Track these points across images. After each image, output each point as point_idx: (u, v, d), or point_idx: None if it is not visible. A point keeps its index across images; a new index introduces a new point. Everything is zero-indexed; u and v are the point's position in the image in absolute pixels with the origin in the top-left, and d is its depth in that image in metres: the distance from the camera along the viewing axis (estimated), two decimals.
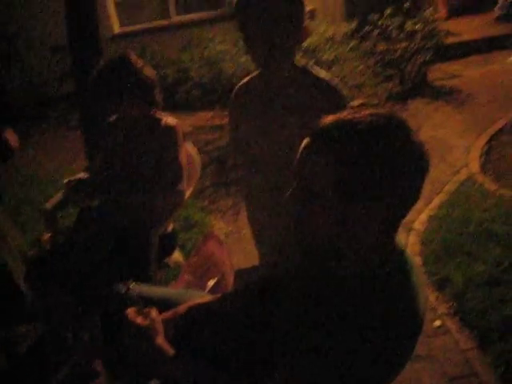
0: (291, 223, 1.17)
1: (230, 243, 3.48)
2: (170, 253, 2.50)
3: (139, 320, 1.32)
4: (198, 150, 2.70)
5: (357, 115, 1.06)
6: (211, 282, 2.25)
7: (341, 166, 1.03)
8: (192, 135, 5.55)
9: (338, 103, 1.65)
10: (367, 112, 1.06)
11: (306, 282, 1.30)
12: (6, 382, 2.44)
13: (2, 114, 2.91)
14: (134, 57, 2.26)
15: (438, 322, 2.58)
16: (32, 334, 2.64)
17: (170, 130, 2.32)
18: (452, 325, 2.56)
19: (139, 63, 2.25)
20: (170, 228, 2.51)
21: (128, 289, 1.41)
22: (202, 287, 2.26)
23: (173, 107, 5.97)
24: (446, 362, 2.35)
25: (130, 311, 1.35)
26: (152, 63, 6.33)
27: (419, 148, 1.07)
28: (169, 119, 2.37)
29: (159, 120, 2.35)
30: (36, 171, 4.91)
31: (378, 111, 1.07)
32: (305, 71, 1.73)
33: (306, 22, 1.63)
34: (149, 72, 2.28)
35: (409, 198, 1.09)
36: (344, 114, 1.07)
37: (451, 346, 2.43)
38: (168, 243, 2.45)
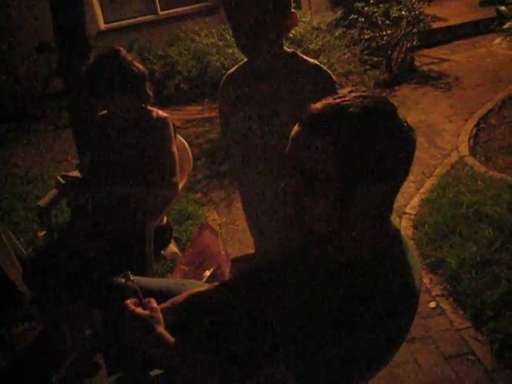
0: (288, 210, 1.19)
1: (224, 234, 3.50)
2: (165, 245, 2.51)
3: (139, 310, 1.34)
4: (189, 143, 2.70)
5: (346, 99, 1.08)
6: (207, 273, 2.28)
7: (339, 150, 1.04)
8: (182, 129, 5.56)
9: (329, 87, 1.67)
10: (354, 95, 1.08)
11: (305, 268, 1.32)
12: (6, 381, 2.45)
13: None
14: (123, 51, 2.27)
15: (432, 304, 2.61)
16: (31, 333, 2.65)
17: (162, 122, 2.33)
18: (446, 306, 2.59)
19: (129, 57, 2.26)
20: (164, 220, 2.52)
21: (127, 280, 1.42)
22: (199, 277, 2.29)
23: (162, 102, 5.98)
24: (441, 341, 2.38)
25: (130, 302, 1.36)
26: (139, 58, 6.31)
27: (407, 126, 1.09)
28: (160, 112, 2.38)
29: (150, 113, 2.35)
30: (27, 170, 4.90)
31: (364, 94, 1.09)
32: (294, 57, 1.74)
33: (293, 10, 1.65)
34: (139, 66, 2.29)
35: (401, 176, 1.11)
36: (332, 99, 1.09)
37: (446, 327, 2.47)
38: (163, 235, 2.46)
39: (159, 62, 6.55)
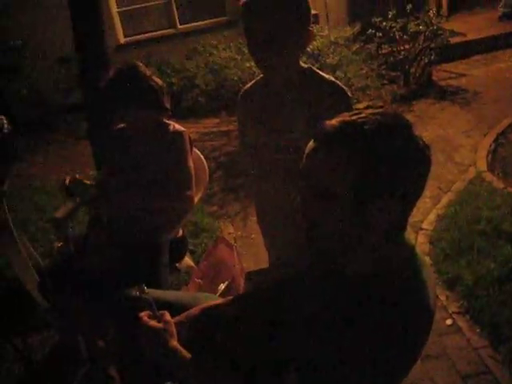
0: (303, 225, 1.19)
1: (239, 248, 3.49)
2: (180, 257, 2.52)
3: (153, 323, 1.34)
4: (205, 156, 2.72)
5: (361, 115, 1.08)
6: (222, 286, 2.28)
7: (353, 167, 1.04)
8: (199, 142, 5.60)
9: (345, 103, 1.67)
10: (369, 111, 1.09)
11: (318, 282, 1.32)
12: None
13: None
14: (142, 66, 2.31)
15: (449, 321, 2.58)
16: (47, 343, 2.67)
17: (178, 135, 2.35)
18: (463, 323, 2.56)
19: (147, 72, 2.30)
20: (180, 233, 2.53)
21: (141, 292, 1.42)
22: (213, 291, 2.28)
23: (179, 115, 6.02)
24: (458, 360, 2.35)
25: (144, 315, 1.37)
26: (158, 72, 6.40)
27: (422, 142, 1.09)
28: (176, 126, 2.40)
29: (167, 126, 2.38)
30: (44, 181, 4.95)
31: (379, 111, 1.09)
32: (310, 73, 1.75)
33: (311, 26, 1.65)
34: (157, 80, 2.32)
35: (416, 193, 1.11)
36: (348, 116, 1.09)
37: (463, 345, 2.44)
38: (178, 248, 2.46)
39: (177, 75, 6.62)
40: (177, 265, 2.48)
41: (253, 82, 1.91)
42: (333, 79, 1.73)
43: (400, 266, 1.15)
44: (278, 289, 1.52)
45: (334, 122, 1.09)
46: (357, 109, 1.13)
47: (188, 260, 2.60)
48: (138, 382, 1.76)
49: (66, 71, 6.43)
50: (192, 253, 3.33)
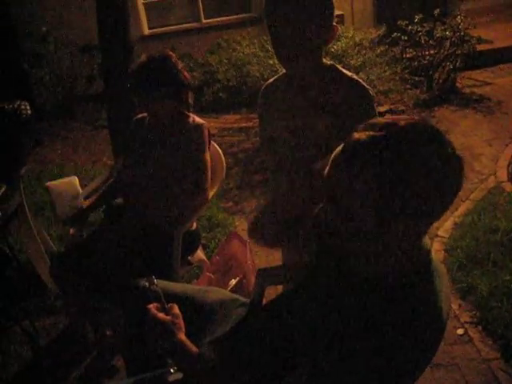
0: (310, 223, 1.17)
1: (252, 244, 3.48)
2: (193, 251, 2.51)
3: (161, 315, 1.33)
4: (224, 151, 2.71)
5: (391, 130, 1.03)
6: (233, 281, 2.27)
7: (380, 185, 1.00)
8: (218, 137, 5.59)
9: (367, 102, 1.65)
10: (401, 124, 1.03)
11: (328, 283, 1.30)
12: (30, 373, 2.48)
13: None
14: (174, 57, 2.31)
15: (460, 331, 2.54)
16: (55, 328, 2.68)
17: (198, 128, 2.35)
18: (475, 334, 2.52)
19: (179, 64, 2.30)
20: (194, 226, 2.53)
21: (150, 284, 1.42)
22: (224, 285, 2.28)
23: (199, 109, 6.04)
24: (468, 371, 2.31)
25: (153, 306, 1.36)
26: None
27: (457, 159, 1.03)
28: (196, 118, 2.40)
29: (187, 118, 2.38)
30: (63, 167, 4.99)
31: (411, 121, 1.04)
32: (333, 70, 1.73)
33: (334, 22, 1.63)
34: (186, 75, 2.33)
35: (445, 208, 1.07)
36: (377, 128, 1.04)
37: (473, 355, 2.40)
38: (191, 241, 2.46)
39: (199, 69, 6.61)
40: (189, 258, 2.48)
41: (275, 77, 1.89)
42: (356, 77, 1.71)
43: (415, 273, 1.12)
44: (284, 300, 1.50)
45: (363, 134, 1.04)
46: (383, 119, 1.08)
47: (200, 253, 2.59)
48: (143, 372, 1.76)
49: (89, 60, 6.47)
50: (205, 247, 3.33)
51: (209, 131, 2.41)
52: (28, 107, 3.05)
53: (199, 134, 2.35)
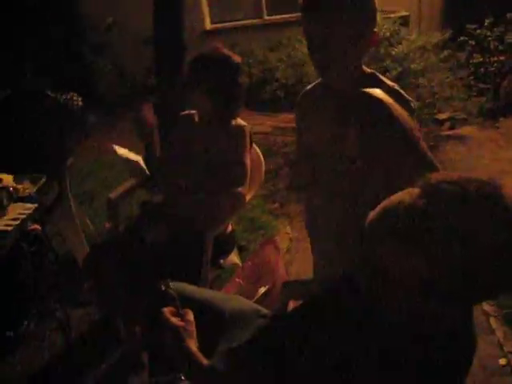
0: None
1: (293, 250, 3.43)
2: (226, 254, 2.47)
3: (174, 320, 1.30)
4: (275, 151, 2.66)
5: (450, 205, 0.91)
6: (262, 290, 2.21)
7: (430, 266, 0.91)
8: (271, 135, 5.55)
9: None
10: (468, 199, 0.91)
11: (348, 309, 1.23)
12: (61, 360, 2.52)
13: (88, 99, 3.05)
14: (234, 58, 2.28)
15: (503, 361, 2.38)
16: (87, 318, 2.72)
17: (240, 130, 2.33)
18: None
19: (238, 63, 2.28)
20: (229, 229, 2.49)
21: (166, 287, 1.39)
22: (253, 293, 2.22)
23: (256, 107, 6.01)
24: None
25: (167, 310, 1.33)
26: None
27: None
28: (239, 120, 2.37)
29: (230, 120, 2.34)
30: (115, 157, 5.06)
31: (471, 190, 0.92)
32: (371, 78, 1.62)
33: (375, 27, 1.53)
34: (244, 79, 2.33)
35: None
36: (435, 196, 0.93)
37: None
38: (225, 244, 2.43)
39: (258, 66, 6.59)
40: (221, 261, 2.44)
41: (313, 84, 1.81)
42: (397, 88, 1.59)
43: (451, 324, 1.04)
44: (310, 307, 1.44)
45: (420, 201, 0.93)
46: (455, 180, 0.94)
47: (234, 257, 2.55)
48: (162, 373, 1.75)
49: (150, 53, 6.56)
50: (244, 250, 3.29)
51: (251, 134, 2.37)
52: (80, 99, 3.11)
53: (241, 136, 2.32)
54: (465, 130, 5.25)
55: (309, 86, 1.83)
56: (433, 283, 0.92)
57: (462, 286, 0.92)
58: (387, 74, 4.60)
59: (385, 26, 4.82)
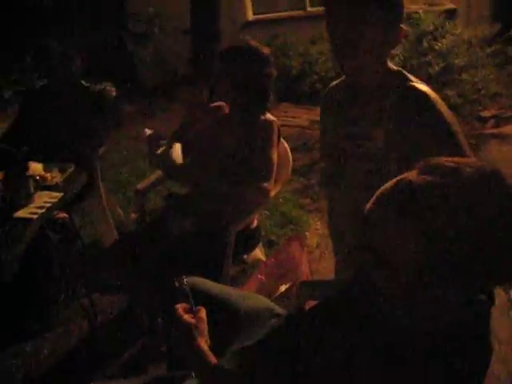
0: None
1: (322, 246, 3.38)
2: (250, 249, 2.46)
3: (186, 317, 1.29)
4: (311, 145, 2.62)
5: (453, 178, 0.90)
6: (283, 287, 2.19)
7: (429, 245, 0.89)
8: (308, 129, 5.48)
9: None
10: (466, 173, 0.91)
11: (357, 313, 1.19)
12: (85, 349, 2.56)
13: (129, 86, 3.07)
14: (264, 50, 2.26)
15: None
16: (112, 307, 2.76)
17: (268, 124, 2.30)
18: None
19: (269, 57, 2.26)
20: (254, 224, 2.47)
21: (180, 284, 1.38)
22: (274, 290, 2.21)
23: (294, 99, 5.95)
24: None
25: (179, 307, 1.32)
26: (280, 53, 6.35)
27: None
28: (267, 115, 2.34)
29: (259, 113, 2.32)
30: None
31: (476, 172, 0.91)
32: (398, 77, 1.56)
33: (402, 24, 1.47)
34: (272, 69, 2.27)
35: None
36: (437, 175, 0.92)
37: None
38: (249, 240, 2.41)
39: (298, 58, 6.52)
40: (244, 256, 2.43)
41: (338, 80, 1.76)
42: (425, 88, 1.51)
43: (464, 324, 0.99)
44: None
45: (420, 179, 0.91)
46: (454, 160, 0.94)
47: (258, 253, 2.53)
48: (179, 366, 1.75)
49: (190, 43, 6.59)
50: (273, 244, 3.27)
51: (279, 129, 2.34)
52: (113, 89, 3.14)
53: (268, 131, 2.29)
54: (510, 129, 5.06)
55: (334, 82, 1.78)
56: (432, 263, 0.90)
57: (461, 265, 0.89)
58: (429, 68, 4.48)
59: (428, 20, 4.69)
